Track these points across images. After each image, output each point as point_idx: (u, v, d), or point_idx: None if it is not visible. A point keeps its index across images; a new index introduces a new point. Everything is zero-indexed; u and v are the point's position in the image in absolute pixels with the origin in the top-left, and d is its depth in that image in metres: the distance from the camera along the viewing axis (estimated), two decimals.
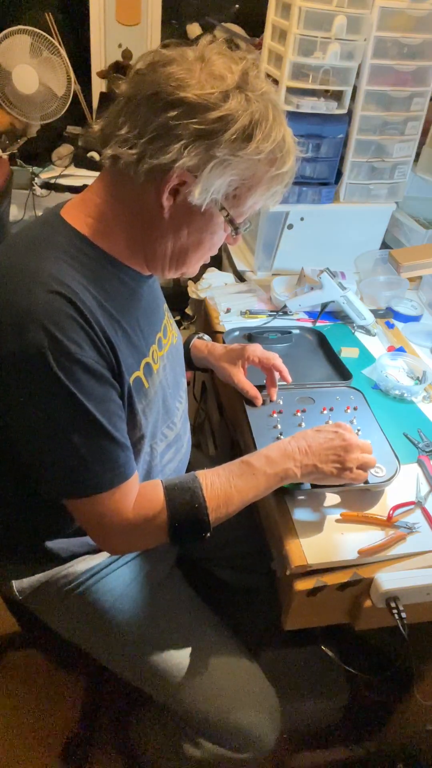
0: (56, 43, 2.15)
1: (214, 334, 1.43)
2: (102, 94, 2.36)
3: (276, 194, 0.81)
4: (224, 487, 0.86)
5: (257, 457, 0.90)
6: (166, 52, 0.73)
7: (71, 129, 2.35)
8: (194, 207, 0.76)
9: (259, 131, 0.71)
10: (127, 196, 0.78)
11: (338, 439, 0.92)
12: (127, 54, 2.32)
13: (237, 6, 2.44)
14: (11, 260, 0.76)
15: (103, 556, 1.00)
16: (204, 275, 1.70)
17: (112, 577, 0.99)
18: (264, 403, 1.15)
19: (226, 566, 1.24)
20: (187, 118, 0.69)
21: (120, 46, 2.35)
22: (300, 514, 0.95)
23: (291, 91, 1.45)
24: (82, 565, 0.98)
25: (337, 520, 0.95)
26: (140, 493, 0.84)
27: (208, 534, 0.85)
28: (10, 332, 0.70)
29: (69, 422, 0.74)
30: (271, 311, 1.52)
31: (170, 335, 1.02)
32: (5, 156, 2.17)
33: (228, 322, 1.46)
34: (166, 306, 1.04)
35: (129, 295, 0.84)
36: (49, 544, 0.95)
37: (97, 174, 0.84)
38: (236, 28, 2.38)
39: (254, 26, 2.30)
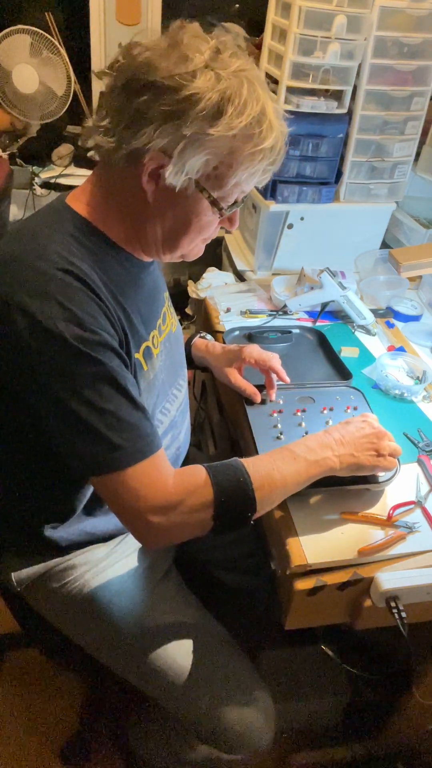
0: (56, 43, 2.15)
1: (214, 334, 1.43)
2: (102, 94, 2.36)
3: (261, 172, 0.79)
4: (267, 467, 0.85)
5: (296, 445, 0.90)
6: (142, 42, 0.77)
7: (71, 129, 2.35)
8: (175, 189, 0.77)
9: (231, 107, 0.72)
10: (114, 184, 0.81)
11: (369, 427, 0.94)
12: None
13: (237, 6, 2.44)
14: (21, 242, 0.78)
15: (101, 549, 1.00)
16: (204, 275, 1.70)
17: (111, 571, 0.99)
18: (264, 402, 1.15)
19: (226, 566, 1.23)
20: (156, 101, 0.72)
21: (120, 45, 2.34)
22: (300, 514, 0.95)
23: (291, 90, 1.45)
24: (81, 557, 0.99)
25: (337, 520, 0.95)
26: (180, 471, 0.82)
27: (253, 516, 0.83)
28: (25, 309, 0.71)
29: (93, 388, 0.74)
30: (271, 311, 1.52)
31: (169, 322, 1.03)
32: (5, 156, 2.18)
33: (228, 321, 1.47)
34: (167, 294, 1.05)
35: (131, 280, 0.86)
36: (48, 533, 0.95)
37: None
38: (236, 28, 2.38)
39: (254, 26, 2.30)
